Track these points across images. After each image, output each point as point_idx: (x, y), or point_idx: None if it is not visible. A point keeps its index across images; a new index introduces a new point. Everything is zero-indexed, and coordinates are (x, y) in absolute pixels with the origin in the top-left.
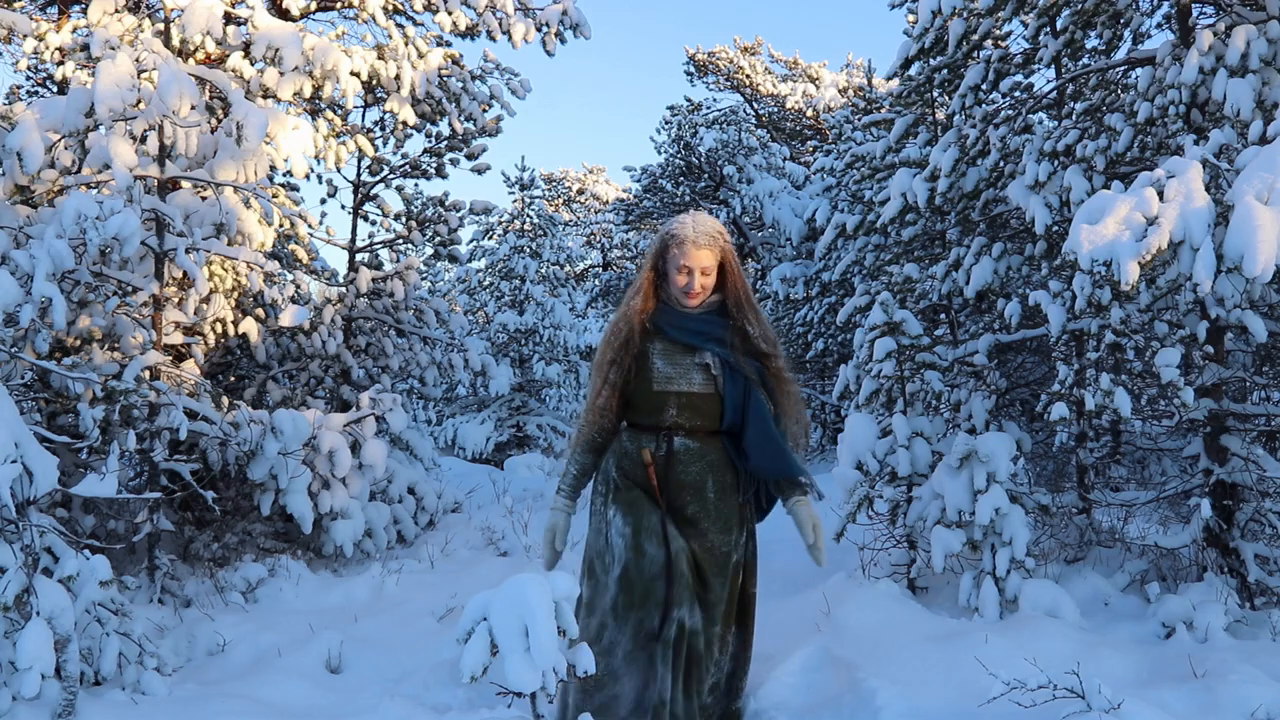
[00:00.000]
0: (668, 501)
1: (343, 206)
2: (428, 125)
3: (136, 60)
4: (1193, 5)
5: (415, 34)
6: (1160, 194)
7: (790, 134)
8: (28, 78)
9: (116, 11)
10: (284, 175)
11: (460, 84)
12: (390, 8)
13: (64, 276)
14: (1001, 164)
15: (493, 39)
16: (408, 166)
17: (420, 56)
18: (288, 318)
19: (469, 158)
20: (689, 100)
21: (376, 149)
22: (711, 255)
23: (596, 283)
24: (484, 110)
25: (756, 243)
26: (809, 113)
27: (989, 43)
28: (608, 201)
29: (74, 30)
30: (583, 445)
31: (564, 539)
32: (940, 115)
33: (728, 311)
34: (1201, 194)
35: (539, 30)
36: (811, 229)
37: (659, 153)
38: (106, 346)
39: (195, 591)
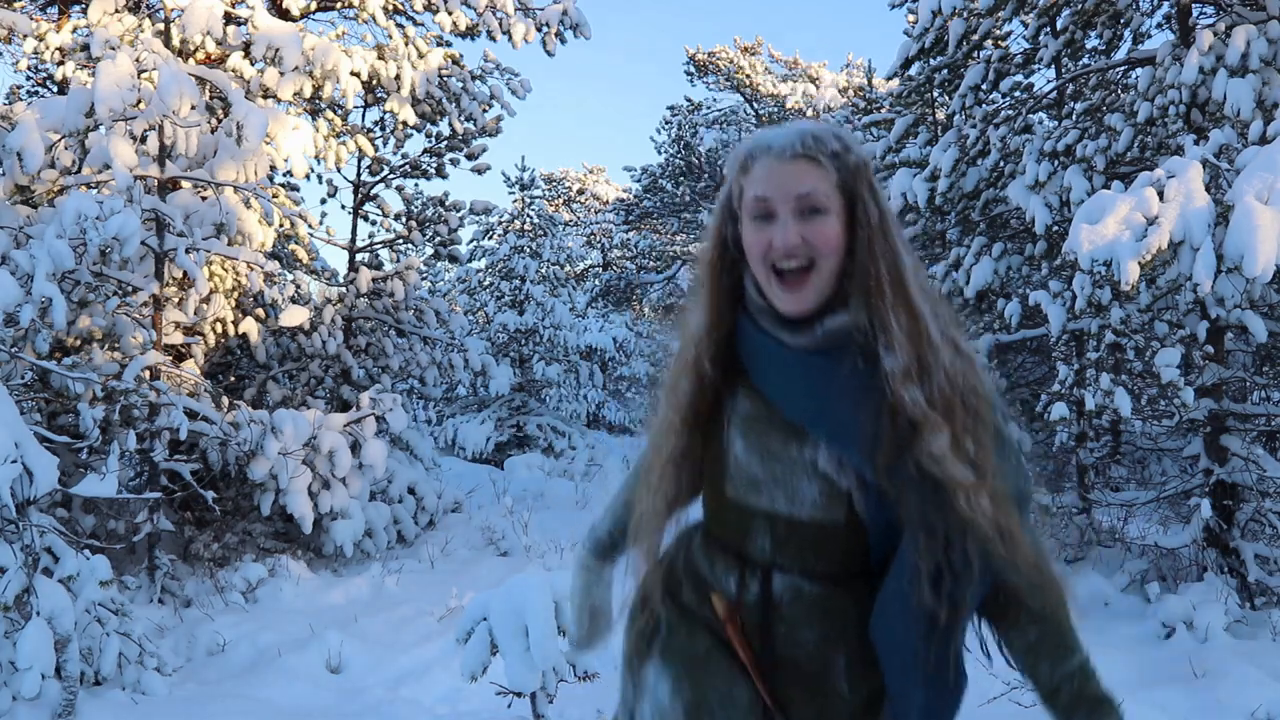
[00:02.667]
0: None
1: (343, 206)
2: (428, 125)
3: (136, 60)
4: (1193, 5)
5: (415, 34)
6: (1160, 194)
7: None
8: (28, 78)
9: (116, 11)
10: (284, 175)
11: (460, 84)
12: (390, 8)
13: (64, 276)
14: (1001, 164)
15: (493, 39)
16: (408, 166)
17: (420, 56)
18: (288, 318)
19: (469, 158)
20: (689, 100)
21: (376, 149)
22: (819, 176)
23: (596, 283)
24: (484, 110)
25: None
26: (809, 113)
27: (989, 43)
28: (608, 201)
29: (74, 30)
30: (626, 508)
31: (602, 606)
32: (940, 115)
33: (869, 333)
34: (1201, 194)
35: (539, 30)
36: None
37: (659, 153)
38: (106, 346)
39: (195, 591)
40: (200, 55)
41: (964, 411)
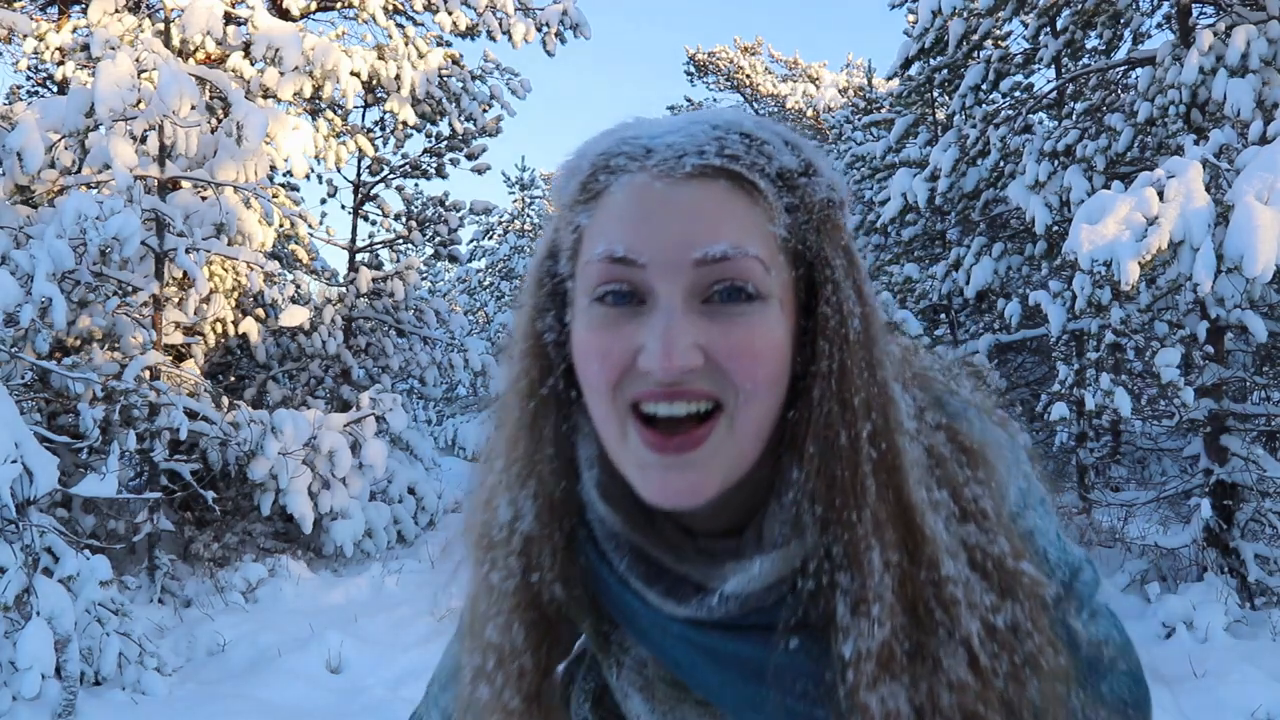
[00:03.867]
0: None
1: (343, 206)
2: (428, 125)
3: (136, 60)
4: (1193, 5)
5: (415, 34)
6: (1160, 194)
7: None
8: (28, 78)
9: (116, 11)
10: (284, 175)
11: (460, 84)
12: (390, 8)
13: (64, 276)
14: (1001, 164)
15: (493, 39)
16: (408, 166)
17: (420, 56)
18: (288, 318)
19: (469, 158)
20: (689, 100)
21: (376, 149)
22: (748, 219)
23: None
24: (484, 110)
25: None
26: (809, 113)
27: (989, 43)
28: None
29: (74, 30)
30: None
31: None
32: (940, 115)
33: (819, 570)
34: (1201, 194)
35: (539, 30)
36: None
37: None
38: (107, 346)
39: (195, 591)
40: (200, 55)
41: None
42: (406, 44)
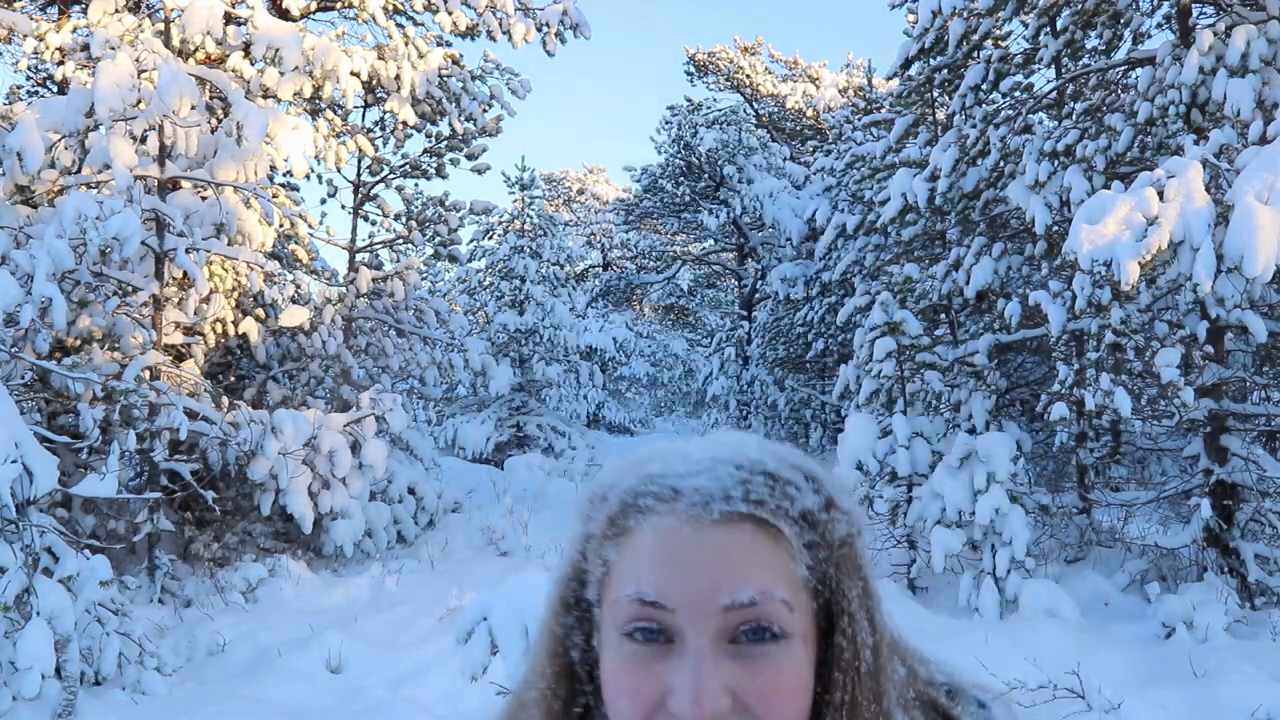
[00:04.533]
0: None
1: (343, 206)
2: (428, 125)
3: (136, 60)
4: (1193, 5)
5: (415, 34)
6: (1160, 194)
7: (790, 134)
8: (28, 78)
9: (116, 11)
10: (284, 175)
11: (460, 84)
12: (390, 8)
13: (64, 276)
14: (1001, 164)
15: (493, 39)
16: (408, 166)
17: (420, 56)
18: (288, 318)
19: (469, 158)
20: (689, 100)
21: (376, 149)
22: (775, 562)
23: (596, 283)
24: (484, 110)
25: (756, 243)
26: (809, 113)
27: (989, 43)
28: (608, 201)
29: (74, 30)
30: None
31: None
32: (940, 115)
33: None
34: (1201, 194)
35: (539, 30)
36: (811, 229)
37: (659, 153)
38: (106, 346)
39: (195, 591)
40: (200, 55)
41: None
42: (406, 44)
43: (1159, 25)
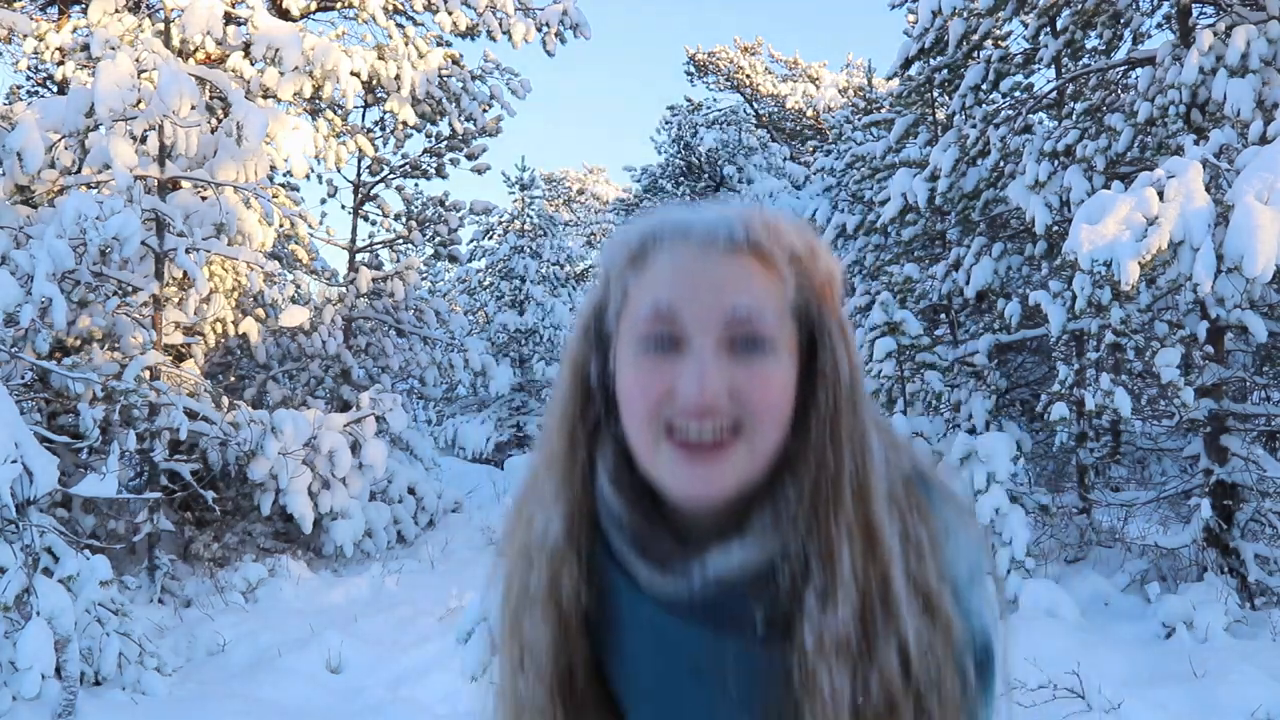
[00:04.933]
0: None
1: (343, 206)
2: (428, 125)
3: (137, 60)
4: (1193, 5)
5: (415, 34)
6: (1160, 194)
7: (790, 134)
8: (28, 78)
9: (116, 11)
10: (284, 175)
11: (460, 84)
12: (390, 8)
13: (64, 276)
14: (1001, 164)
15: (493, 39)
16: (408, 166)
17: (420, 56)
18: (288, 318)
19: (469, 158)
20: (689, 100)
21: (376, 149)
22: (768, 287)
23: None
24: (484, 110)
25: None
26: (809, 113)
27: (989, 43)
28: (608, 201)
29: (74, 30)
30: None
31: None
32: (940, 115)
33: (796, 566)
34: (1201, 194)
35: (539, 30)
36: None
37: (659, 153)
38: (107, 346)
39: (195, 591)
40: (200, 55)
41: None
42: (406, 44)
43: (1159, 25)
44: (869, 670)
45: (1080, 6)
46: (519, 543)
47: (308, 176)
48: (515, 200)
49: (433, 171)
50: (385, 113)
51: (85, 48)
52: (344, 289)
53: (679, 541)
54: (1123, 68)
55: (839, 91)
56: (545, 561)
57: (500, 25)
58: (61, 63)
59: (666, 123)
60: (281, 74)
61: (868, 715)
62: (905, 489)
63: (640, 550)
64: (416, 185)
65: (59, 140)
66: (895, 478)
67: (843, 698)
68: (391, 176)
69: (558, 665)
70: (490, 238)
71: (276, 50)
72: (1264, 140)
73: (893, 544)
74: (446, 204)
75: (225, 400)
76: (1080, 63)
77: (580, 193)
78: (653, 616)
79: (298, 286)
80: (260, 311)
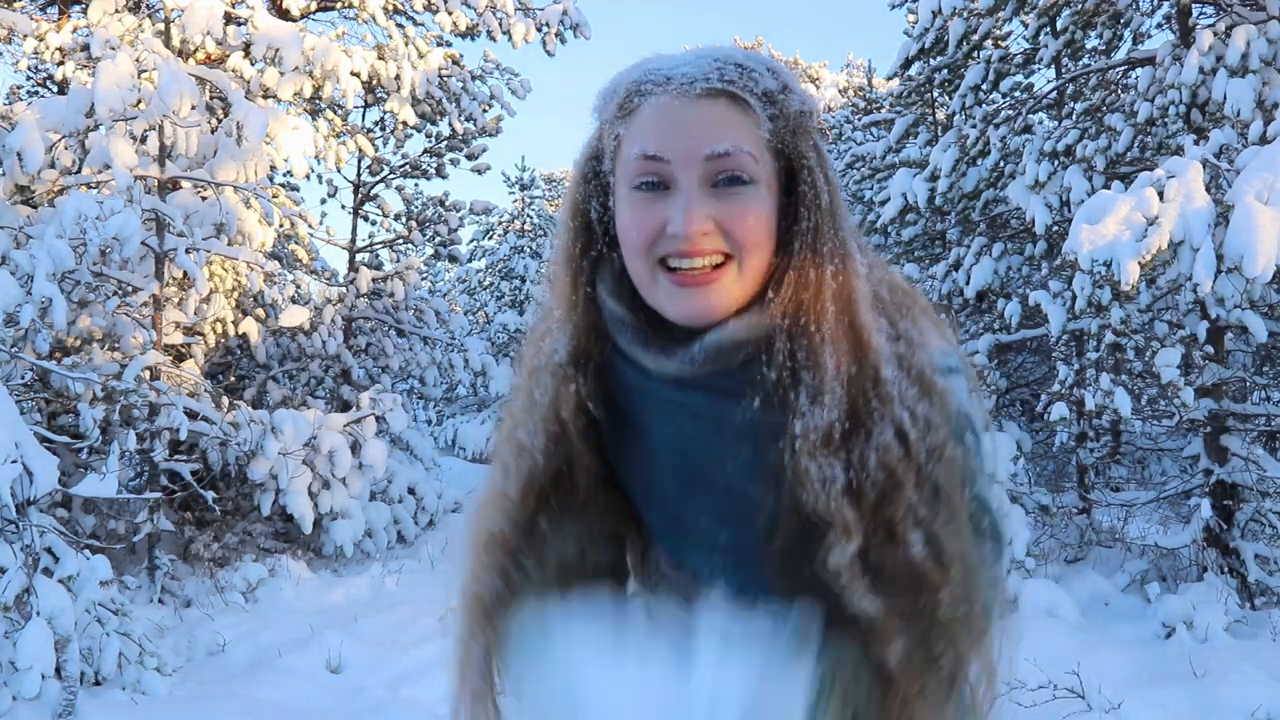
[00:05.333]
0: None
1: (343, 206)
2: (428, 125)
3: (137, 60)
4: (1193, 5)
5: (415, 34)
6: (1160, 194)
7: None
8: (28, 78)
9: (116, 11)
10: (284, 175)
11: (460, 84)
12: (390, 8)
13: (64, 276)
14: (1001, 164)
15: (493, 39)
16: (408, 166)
17: (420, 57)
18: (288, 318)
19: (469, 158)
20: None
21: (376, 149)
22: (744, 126)
23: None
24: (484, 110)
25: None
26: None
27: (989, 43)
28: None
29: (74, 30)
30: None
31: None
32: (940, 115)
33: (785, 362)
34: (1202, 194)
35: (539, 30)
36: None
37: None
38: (107, 346)
39: (195, 591)
40: (200, 55)
41: (912, 496)
42: (406, 44)
43: (1159, 25)
44: (866, 451)
45: (1080, 6)
46: (529, 365)
47: (308, 177)
48: (515, 200)
49: (433, 171)
50: (385, 113)
51: (85, 48)
52: (344, 289)
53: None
54: (1123, 68)
55: (839, 91)
56: (550, 377)
57: (500, 25)
58: (62, 63)
59: None
60: (281, 74)
61: (866, 490)
62: (890, 292)
63: (644, 342)
64: (416, 185)
65: (59, 140)
66: (880, 283)
67: (834, 484)
68: (391, 176)
69: (549, 466)
70: (490, 238)
71: (276, 50)
72: (1264, 140)
73: (879, 342)
74: (446, 204)
75: (225, 400)
76: (1080, 63)
77: None
78: (666, 395)
79: (298, 286)
80: (260, 311)
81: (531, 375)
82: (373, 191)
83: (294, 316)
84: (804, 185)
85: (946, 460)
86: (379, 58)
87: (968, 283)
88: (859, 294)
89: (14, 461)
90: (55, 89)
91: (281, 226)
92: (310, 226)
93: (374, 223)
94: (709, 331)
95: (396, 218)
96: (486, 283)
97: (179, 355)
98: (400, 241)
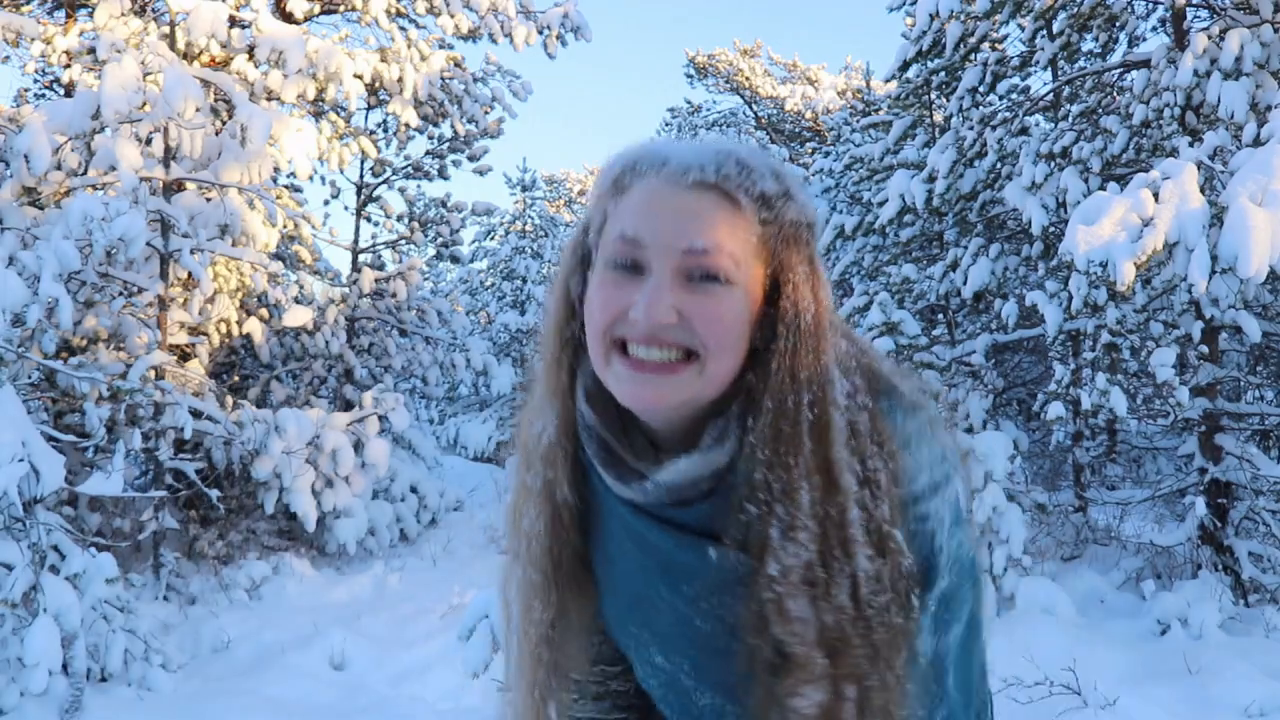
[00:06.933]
0: None
1: (346, 208)
2: (430, 127)
3: (142, 63)
4: (1187, 9)
5: (418, 37)
6: (1156, 196)
7: (789, 136)
8: (35, 80)
9: (122, 15)
10: (288, 177)
11: (462, 86)
12: (393, 11)
13: (70, 277)
14: (999, 165)
15: (494, 41)
16: (410, 168)
17: (423, 59)
18: (292, 318)
19: (471, 159)
20: (689, 102)
21: (379, 150)
22: (732, 226)
23: None
24: (486, 112)
25: None
26: (808, 115)
27: (986, 46)
28: None
29: (81, 34)
30: None
31: None
32: (938, 117)
33: (758, 494)
34: (1196, 196)
35: (540, 33)
36: None
37: None
38: (112, 346)
39: (200, 589)
40: (205, 58)
41: (865, 654)
42: (409, 47)
43: (1154, 28)
44: (825, 601)
45: (1076, 10)
46: (522, 445)
47: (311, 178)
48: (517, 201)
49: (435, 173)
50: (388, 115)
51: (91, 51)
52: (347, 289)
53: (654, 449)
54: (1118, 70)
55: (837, 94)
56: (539, 462)
57: (502, 28)
58: (68, 66)
59: (667, 124)
60: (285, 76)
61: (825, 640)
62: (870, 422)
63: (603, 459)
64: (419, 186)
65: (65, 142)
66: (858, 413)
67: (810, 623)
68: (394, 178)
69: (551, 553)
70: (492, 238)
71: (280, 53)
72: (1257, 142)
73: (850, 484)
74: (449, 205)
75: (229, 399)
76: (1076, 65)
77: (581, 194)
78: (626, 516)
79: (301, 287)
80: (264, 312)
81: (523, 457)
82: (375, 193)
83: (297, 316)
84: (785, 300)
85: (889, 626)
86: (382, 60)
87: (965, 283)
88: (835, 431)
89: (21, 460)
90: (62, 92)
91: (285, 227)
92: (313, 227)
93: (377, 224)
94: (665, 465)
95: (399, 219)
96: (488, 283)
97: (184, 355)
98: (403, 242)
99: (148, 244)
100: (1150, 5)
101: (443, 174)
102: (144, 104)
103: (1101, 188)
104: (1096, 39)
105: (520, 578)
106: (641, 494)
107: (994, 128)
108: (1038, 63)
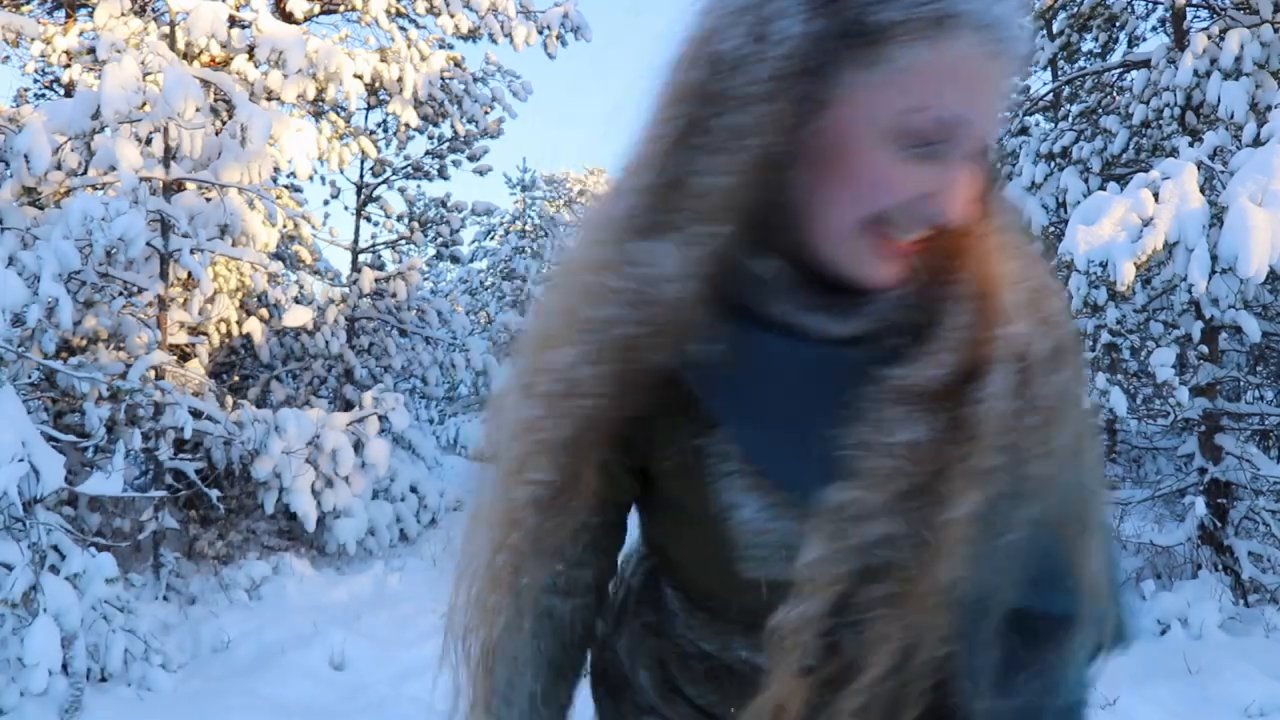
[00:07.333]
0: None
1: (346, 207)
2: (430, 127)
3: (142, 63)
4: (1187, 9)
5: (418, 37)
6: (1155, 196)
7: None
8: (35, 80)
9: (122, 15)
10: (288, 176)
11: (462, 86)
12: (393, 10)
13: (70, 277)
14: (998, 165)
15: (494, 41)
16: (410, 168)
17: (423, 59)
18: (291, 318)
19: (471, 159)
20: None
21: (379, 150)
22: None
23: None
24: (486, 112)
25: None
26: None
27: None
28: None
29: (80, 33)
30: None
31: None
32: None
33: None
34: (1196, 196)
35: (540, 33)
36: None
37: None
38: (112, 346)
39: (200, 589)
40: (205, 58)
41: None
42: (409, 47)
43: (1154, 29)
44: (934, 421)
45: (1076, 10)
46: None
47: (311, 178)
48: (517, 201)
49: (435, 173)
50: (388, 115)
51: (91, 51)
52: (347, 289)
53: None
54: (1118, 70)
55: None
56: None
57: (502, 28)
58: (68, 65)
59: None
60: (285, 76)
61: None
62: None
63: (804, 298)
64: (419, 186)
65: (65, 142)
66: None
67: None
68: (394, 178)
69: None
70: (492, 238)
71: (280, 53)
72: (1257, 142)
73: (1019, 328)
74: (448, 205)
75: (229, 399)
76: (1076, 65)
77: (581, 194)
78: (805, 354)
79: (301, 287)
80: (264, 312)
81: (607, 314)
82: (375, 192)
83: (297, 316)
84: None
85: (1073, 419)
86: (381, 60)
87: None
88: (1015, 269)
89: (21, 460)
90: (62, 91)
91: (285, 227)
92: (313, 227)
93: (376, 223)
94: (877, 295)
95: (399, 218)
96: (488, 283)
97: (184, 355)
98: (403, 242)
99: (148, 244)
100: (1150, 5)
101: (443, 174)
102: (144, 104)
103: (1101, 188)
104: (1096, 39)
105: (522, 418)
106: (856, 323)
107: None
108: (1037, 62)
